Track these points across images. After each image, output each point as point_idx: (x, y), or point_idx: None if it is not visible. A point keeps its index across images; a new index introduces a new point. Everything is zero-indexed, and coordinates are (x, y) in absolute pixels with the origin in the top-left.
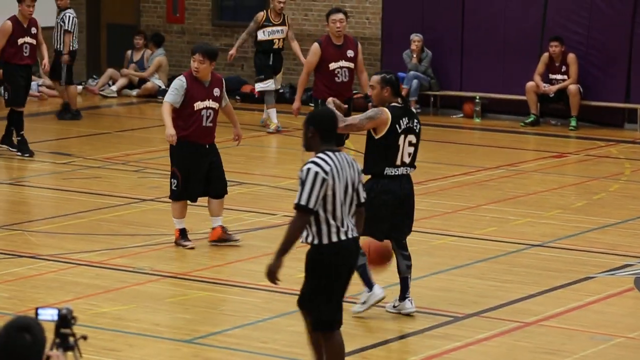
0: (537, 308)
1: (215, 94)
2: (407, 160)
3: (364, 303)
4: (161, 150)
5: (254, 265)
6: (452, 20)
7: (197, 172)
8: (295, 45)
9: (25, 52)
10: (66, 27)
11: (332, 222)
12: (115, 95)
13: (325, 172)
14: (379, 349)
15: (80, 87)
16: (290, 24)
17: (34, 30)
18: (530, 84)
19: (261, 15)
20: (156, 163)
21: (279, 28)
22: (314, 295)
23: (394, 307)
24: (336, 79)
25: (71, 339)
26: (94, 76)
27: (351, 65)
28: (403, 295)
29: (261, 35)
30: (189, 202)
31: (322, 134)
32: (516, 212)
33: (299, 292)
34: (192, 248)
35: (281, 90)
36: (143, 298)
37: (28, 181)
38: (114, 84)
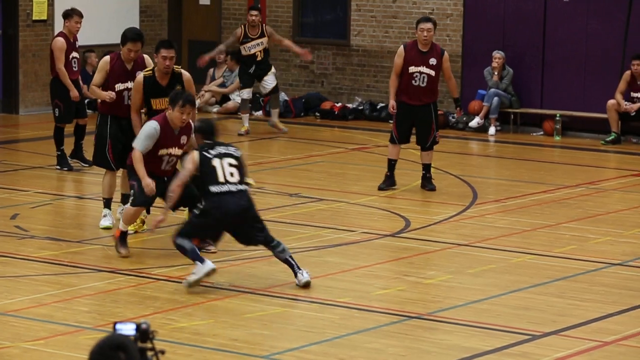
0: (617, 327)
1: (182, 142)
2: (231, 179)
3: (194, 274)
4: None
5: (332, 282)
6: (533, 38)
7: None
8: (286, 43)
9: (74, 67)
10: None
11: None
12: (195, 111)
13: None
14: None
15: None
16: (270, 32)
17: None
18: (611, 102)
19: (239, 31)
20: None
21: (258, 41)
22: None
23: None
24: (413, 82)
25: (149, 354)
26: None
27: (432, 72)
28: (295, 272)
29: (243, 51)
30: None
31: None
32: (596, 230)
33: (376, 310)
34: (126, 256)
35: (357, 105)
36: (221, 313)
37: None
38: None
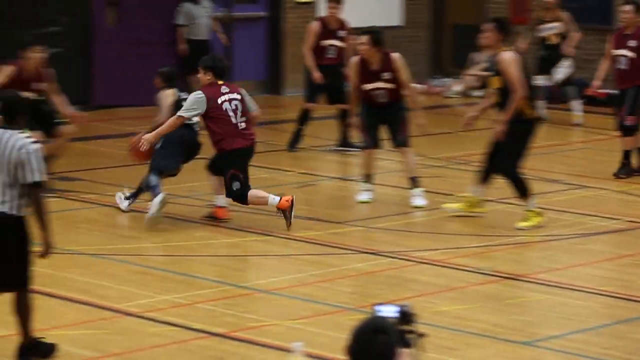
0: None
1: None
2: None
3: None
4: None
5: (595, 270)
6: None
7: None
8: (572, 36)
9: (329, 54)
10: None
11: None
12: (458, 95)
13: None
14: None
15: (420, 87)
16: (567, 19)
17: (342, 33)
18: None
19: (536, 14)
20: None
21: (551, 25)
22: None
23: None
24: (615, 64)
25: (410, 336)
26: (437, 76)
27: (630, 54)
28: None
29: (537, 33)
30: None
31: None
32: None
33: None
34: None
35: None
36: (483, 298)
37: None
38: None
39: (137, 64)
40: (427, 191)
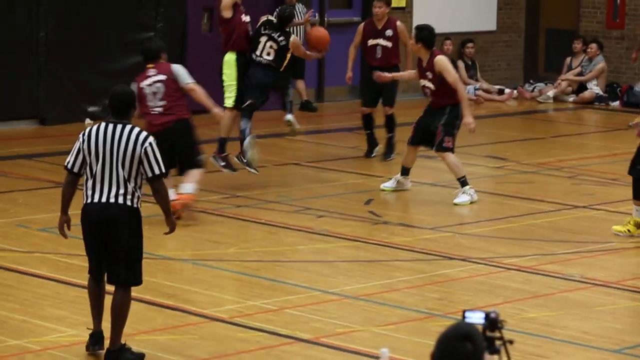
0: None
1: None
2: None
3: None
4: (596, 157)
5: None
6: None
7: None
8: None
9: (377, 54)
10: None
11: (89, 185)
12: (551, 100)
13: (82, 141)
14: None
15: (515, 92)
16: None
17: (388, 32)
18: None
19: None
20: (591, 170)
21: None
22: None
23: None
24: None
25: (498, 343)
26: (531, 81)
27: None
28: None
29: None
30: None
31: (109, 108)
32: None
33: None
34: None
35: None
36: (572, 305)
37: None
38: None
39: None
40: (517, 197)
